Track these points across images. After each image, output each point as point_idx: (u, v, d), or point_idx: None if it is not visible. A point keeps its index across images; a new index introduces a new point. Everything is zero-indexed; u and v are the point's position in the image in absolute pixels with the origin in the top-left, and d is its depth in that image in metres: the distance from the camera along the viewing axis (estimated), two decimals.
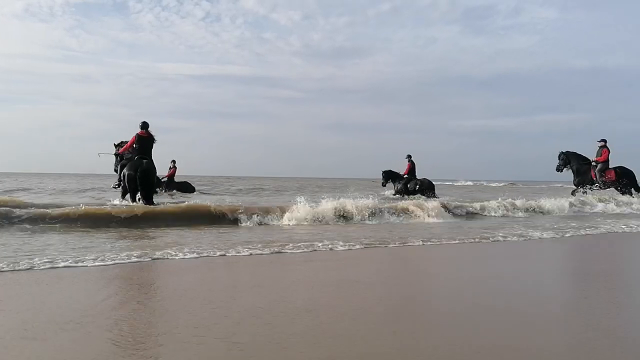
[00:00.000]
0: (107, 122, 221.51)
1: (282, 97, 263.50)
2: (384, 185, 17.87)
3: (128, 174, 10.66)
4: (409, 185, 17.22)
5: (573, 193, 15.75)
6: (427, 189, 17.01)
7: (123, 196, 11.43)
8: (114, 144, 12.84)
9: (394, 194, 17.28)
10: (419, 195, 16.42)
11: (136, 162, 10.72)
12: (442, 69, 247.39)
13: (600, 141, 15.79)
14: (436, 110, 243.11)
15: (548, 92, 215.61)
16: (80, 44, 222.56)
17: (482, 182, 53.86)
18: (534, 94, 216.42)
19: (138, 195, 10.69)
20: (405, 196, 16.45)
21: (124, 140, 12.13)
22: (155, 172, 11.19)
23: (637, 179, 15.79)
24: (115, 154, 12.45)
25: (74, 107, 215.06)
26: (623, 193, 15.49)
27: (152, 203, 10.48)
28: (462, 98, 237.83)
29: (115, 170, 12.47)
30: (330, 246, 5.74)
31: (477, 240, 6.69)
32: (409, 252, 5.71)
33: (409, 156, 17.76)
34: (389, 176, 17.69)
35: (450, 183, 46.68)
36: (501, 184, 45.96)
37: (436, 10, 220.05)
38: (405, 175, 17.56)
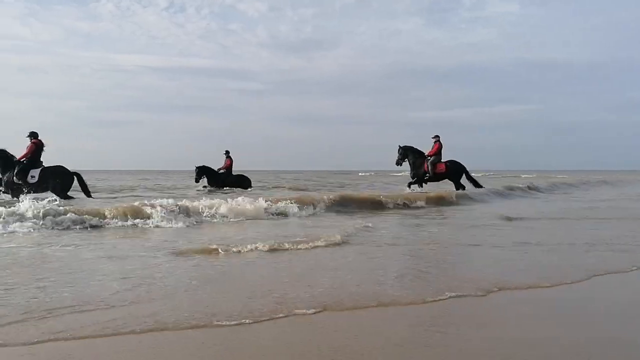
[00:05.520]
0: (56, 116, 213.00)
1: (246, 90, 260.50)
2: (197, 181, 18.46)
3: (70, 174, 12.80)
4: (226, 180, 18.12)
5: (409, 185, 16.67)
6: (243, 183, 18.55)
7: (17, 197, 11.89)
8: None
9: (209, 188, 18.06)
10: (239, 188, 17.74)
11: (58, 167, 12.75)
12: (405, 62, 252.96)
13: (434, 137, 16.80)
14: (397, 101, 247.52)
15: (504, 84, 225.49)
16: (34, 34, 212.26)
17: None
18: (490, 85, 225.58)
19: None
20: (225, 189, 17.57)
21: None
22: None
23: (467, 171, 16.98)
24: (17, 159, 12.55)
25: (20, 99, 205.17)
26: (457, 187, 16.60)
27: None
28: (423, 90, 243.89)
29: (10, 179, 12.53)
30: None
31: None
32: None
33: (227, 152, 18.79)
34: (203, 172, 18.32)
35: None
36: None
37: (401, 2, 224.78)
38: (222, 171, 18.46)
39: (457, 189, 16.58)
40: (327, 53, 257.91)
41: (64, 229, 7.35)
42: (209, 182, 18.25)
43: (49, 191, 12.61)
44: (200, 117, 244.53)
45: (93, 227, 7.64)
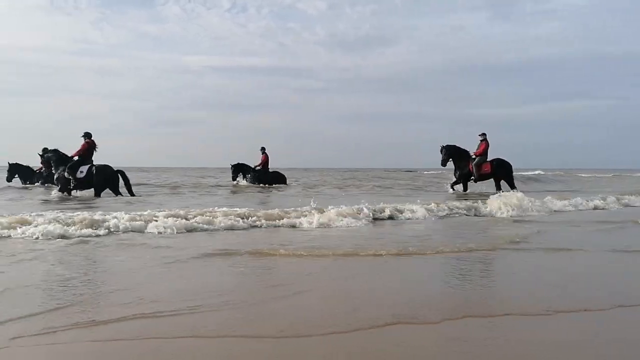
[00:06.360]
0: (129, 116, 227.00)
1: (304, 88, 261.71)
2: (234, 179, 18.57)
3: (114, 171, 13.22)
4: (262, 177, 18.13)
5: (452, 186, 16.01)
6: (280, 180, 18.60)
7: (69, 192, 12.81)
8: (44, 150, 14.90)
9: (249, 183, 18.18)
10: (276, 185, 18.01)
11: (104, 166, 13.14)
12: (469, 57, 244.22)
13: (480, 135, 16.02)
14: (460, 98, 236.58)
15: (574, 79, 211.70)
16: (105, 37, 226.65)
17: None
18: (560, 80, 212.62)
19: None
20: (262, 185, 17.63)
21: (52, 148, 13.66)
22: None
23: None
24: (69, 157, 13.22)
25: (96, 101, 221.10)
26: (498, 187, 15.68)
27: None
28: (487, 86, 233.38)
29: (62, 174, 13.10)
30: None
31: None
32: None
33: (263, 148, 18.77)
34: (239, 169, 18.42)
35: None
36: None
37: None
38: (258, 167, 18.47)
39: (512, 188, 15.57)
40: (386, 50, 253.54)
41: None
42: (250, 179, 18.44)
43: (91, 188, 13.42)
44: (259, 115, 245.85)
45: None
